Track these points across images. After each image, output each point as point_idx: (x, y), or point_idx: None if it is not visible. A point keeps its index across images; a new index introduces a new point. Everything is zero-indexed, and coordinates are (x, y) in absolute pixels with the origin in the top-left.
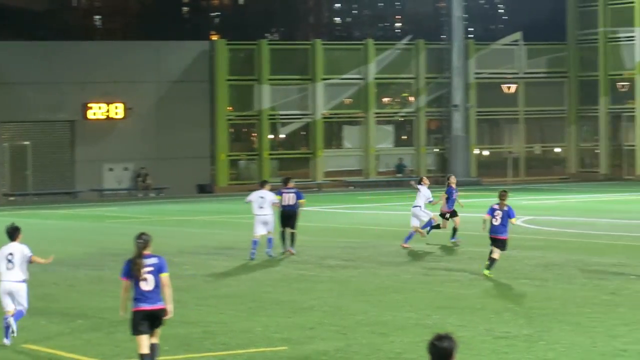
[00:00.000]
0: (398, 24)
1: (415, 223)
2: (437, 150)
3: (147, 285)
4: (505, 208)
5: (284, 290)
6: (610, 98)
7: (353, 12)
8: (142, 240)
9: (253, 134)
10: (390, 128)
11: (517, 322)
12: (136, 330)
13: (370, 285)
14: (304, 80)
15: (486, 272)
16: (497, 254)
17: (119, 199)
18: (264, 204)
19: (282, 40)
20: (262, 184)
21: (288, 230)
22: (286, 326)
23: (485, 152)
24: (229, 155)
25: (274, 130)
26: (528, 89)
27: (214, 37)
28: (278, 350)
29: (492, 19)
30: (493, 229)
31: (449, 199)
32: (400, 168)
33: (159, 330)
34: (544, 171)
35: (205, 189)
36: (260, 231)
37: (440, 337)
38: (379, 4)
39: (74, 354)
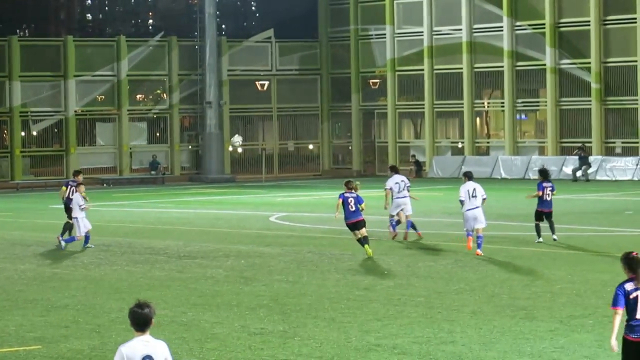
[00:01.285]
0: (150, 21)
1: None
2: (192, 147)
3: None
4: (355, 195)
5: (37, 289)
6: (362, 95)
7: (105, 8)
8: None
9: (4, 131)
10: (144, 125)
11: (272, 319)
12: None
13: (124, 283)
14: (56, 76)
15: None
16: (364, 230)
17: None
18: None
19: (33, 37)
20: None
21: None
22: (40, 325)
23: (239, 149)
24: None
25: (26, 127)
26: (281, 86)
27: None
28: (32, 350)
29: (244, 16)
30: (351, 215)
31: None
32: (154, 165)
33: None
34: (298, 168)
35: None
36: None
37: (140, 305)
38: (132, 1)
39: None
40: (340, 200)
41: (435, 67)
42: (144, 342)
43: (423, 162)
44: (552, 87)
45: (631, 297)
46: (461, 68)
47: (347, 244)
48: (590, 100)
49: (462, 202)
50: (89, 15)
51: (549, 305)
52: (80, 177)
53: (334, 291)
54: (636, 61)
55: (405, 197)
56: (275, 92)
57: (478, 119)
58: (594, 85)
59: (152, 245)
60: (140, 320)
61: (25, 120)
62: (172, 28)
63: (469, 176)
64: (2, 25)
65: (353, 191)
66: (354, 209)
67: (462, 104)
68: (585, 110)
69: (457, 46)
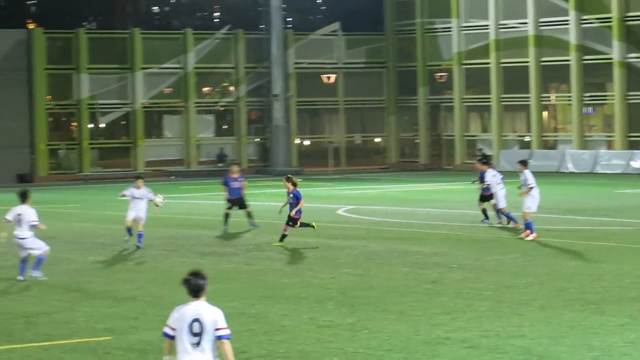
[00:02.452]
0: (217, 14)
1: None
2: (258, 139)
3: None
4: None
5: (106, 281)
6: (429, 88)
7: (171, 1)
8: None
9: (73, 123)
10: (210, 118)
11: (341, 311)
12: None
13: None
14: (123, 69)
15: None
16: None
17: None
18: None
19: (100, 29)
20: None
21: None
22: (109, 316)
23: (306, 142)
24: (49, 145)
25: (93, 119)
26: (347, 79)
27: (31, 26)
28: (102, 341)
29: (310, 9)
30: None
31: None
32: (221, 158)
33: None
34: (364, 161)
35: (24, 179)
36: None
37: (193, 274)
38: None
39: None
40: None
41: (502, 60)
42: (196, 307)
43: (490, 155)
44: (620, 80)
45: None
46: (528, 61)
47: (416, 238)
48: None
49: (532, 187)
50: (155, 8)
51: (618, 300)
52: (140, 183)
53: (402, 284)
54: None
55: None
56: (342, 85)
57: (545, 113)
58: None
59: (220, 238)
60: (194, 288)
61: (93, 113)
62: (239, 21)
63: (525, 164)
64: (69, 18)
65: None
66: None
67: (529, 97)
68: None
69: (524, 40)
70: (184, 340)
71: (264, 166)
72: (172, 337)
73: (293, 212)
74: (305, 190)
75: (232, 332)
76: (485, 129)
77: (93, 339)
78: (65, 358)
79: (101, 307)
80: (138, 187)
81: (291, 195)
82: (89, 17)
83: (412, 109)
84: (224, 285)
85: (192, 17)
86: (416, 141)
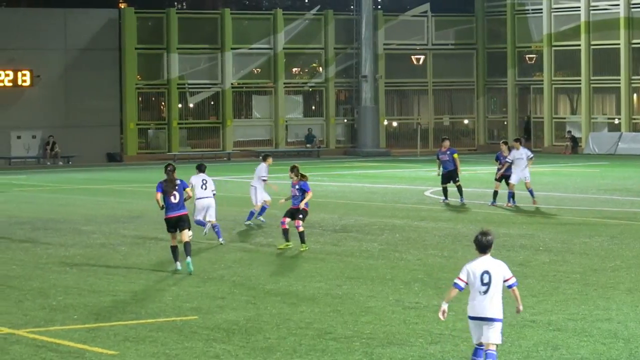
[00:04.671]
0: None
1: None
2: (347, 120)
3: (174, 198)
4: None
5: (193, 260)
6: (518, 70)
7: None
8: (171, 168)
9: (162, 103)
10: (299, 98)
11: (427, 293)
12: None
13: (280, 255)
14: (213, 49)
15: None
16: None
17: (27, 167)
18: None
19: (190, 9)
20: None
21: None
22: (196, 295)
23: (394, 123)
24: (138, 124)
25: (183, 99)
26: (436, 61)
27: (122, 5)
28: (188, 320)
29: None
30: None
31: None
32: (309, 138)
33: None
34: (453, 142)
35: (114, 158)
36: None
37: (483, 232)
38: None
39: None
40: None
41: (592, 42)
42: (483, 261)
43: (579, 138)
44: None
45: None
46: (618, 44)
47: (503, 219)
48: None
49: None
50: None
51: None
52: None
53: None
54: None
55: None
56: (431, 66)
57: (635, 95)
58: None
59: (307, 219)
60: (482, 245)
61: (183, 93)
62: (328, 1)
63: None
64: None
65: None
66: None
67: (619, 80)
68: None
69: (615, 22)
70: (475, 290)
71: (351, 147)
72: (461, 289)
73: (302, 204)
74: (392, 171)
75: (314, 313)
76: (574, 111)
77: (180, 318)
78: (152, 337)
79: (188, 287)
80: (268, 164)
81: (297, 187)
82: None
83: (501, 91)
84: (311, 265)
85: None
86: (505, 123)
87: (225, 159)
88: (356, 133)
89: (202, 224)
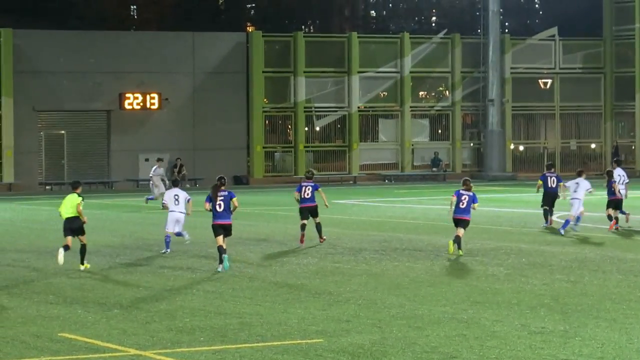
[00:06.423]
0: (434, 18)
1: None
2: (473, 144)
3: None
4: (470, 194)
5: (319, 283)
6: None
7: (389, 5)
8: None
9: (289, 126)
10: (425, 122)
11: (553, 318)
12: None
13: (406, 278)
14: (339, 72)
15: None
16: (461, 232)
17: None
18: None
19: (317, 33)
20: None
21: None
22: (322, 318)
23: (521, 147)
24: (265, 147)
25: (309, 122)
26: (564, 84)
27: (250, 29)
28: (314, 343)
29: (527, 14)
30: (458, 211)
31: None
32: (435, 162)
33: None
34: (580, 167)
35: (241, 180)
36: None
37: None
38: None
39: (110, 343)
40: (454, 197)
41: None
42: None
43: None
44: None
45: None
46: None
47: (631, 245)
48: None
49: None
50: (372, 12)
51: None
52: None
53: (616, 292)
54: None
55: None
56: (558, 90)
57: None
58: None
59: (432, 242)
60: None
61: (309, 116)
62: (455, 25)
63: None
64: (288, 22)
65: (469, 190)
66: (464, 205)
67: None
68: None
69: None
70: None
71: (478, 171)
72: None
73: (326, 201)
74: (518, 195)
75: (440, 337)
76: None
77: (305, 341)
78: (277, 359)
79: (314, 309)
80: None
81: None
82: (306, 20)
83: (629, 115)
84: (436, 289)
85: (409, 21)
86: (633, 147)
87: (351, 182)
88: (482, 157)
89: (180, 234)
